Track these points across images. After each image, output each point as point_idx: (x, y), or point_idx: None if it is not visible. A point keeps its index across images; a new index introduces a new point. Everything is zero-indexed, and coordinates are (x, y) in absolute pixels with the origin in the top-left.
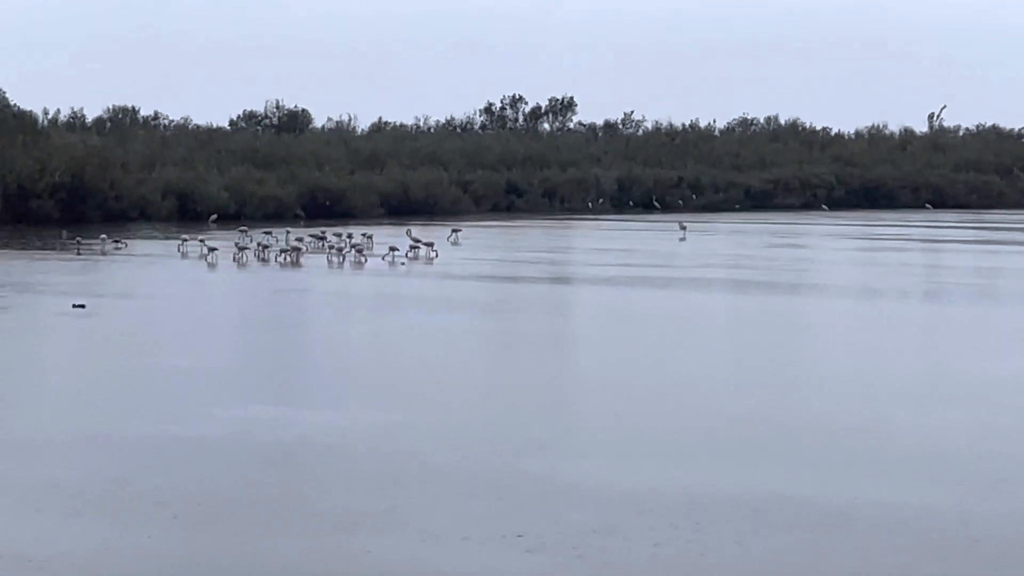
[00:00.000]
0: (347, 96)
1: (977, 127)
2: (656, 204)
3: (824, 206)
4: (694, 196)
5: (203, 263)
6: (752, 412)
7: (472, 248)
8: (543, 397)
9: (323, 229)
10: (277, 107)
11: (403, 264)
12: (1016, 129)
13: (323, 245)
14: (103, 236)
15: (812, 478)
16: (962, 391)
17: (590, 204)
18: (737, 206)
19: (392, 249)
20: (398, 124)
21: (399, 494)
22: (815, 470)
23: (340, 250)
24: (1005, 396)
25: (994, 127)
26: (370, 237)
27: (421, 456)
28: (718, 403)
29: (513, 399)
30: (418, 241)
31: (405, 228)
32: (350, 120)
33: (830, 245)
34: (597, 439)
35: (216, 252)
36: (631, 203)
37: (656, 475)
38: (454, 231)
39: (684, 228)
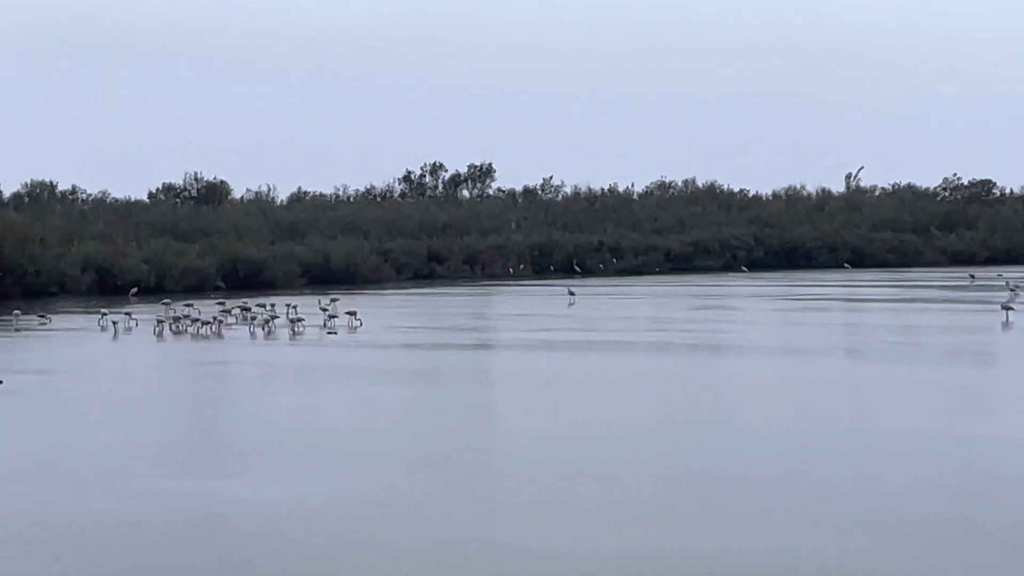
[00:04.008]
0: (266, 167)
1: (893, 187)
2: (577, 268)
3: (744, 267)
4: (615, 260)
5: (125, 337)
6: (682, 473)
7: (394, 317)
8: (474, 466)
9: (245, 300)
10: (196, 179)
11: (333, 334)
12: (932, 188)
13: (246, 317)
14: (16, 311)
15: (744, 536)
16: (887, 449)
17: (511, 270)
18: (657, 269)
19: (331, 316)
20: (317, 194)
21: (330, 567)
22: (747, 528)
23: (266, 322)
24: (930, 453)
25: (910, 186)
26: (295, 307)
27: (352, 528)
28: (648, 465)
29: (443, 469)
30: (325, 310)
31: (322, 298)
32: (269, 191)
33: (751, 306)
34: (529, 506)
35: (138, 325)
36: (552, 268)
37: (592, 539)
38: (332, 300)
39: (572, 294)
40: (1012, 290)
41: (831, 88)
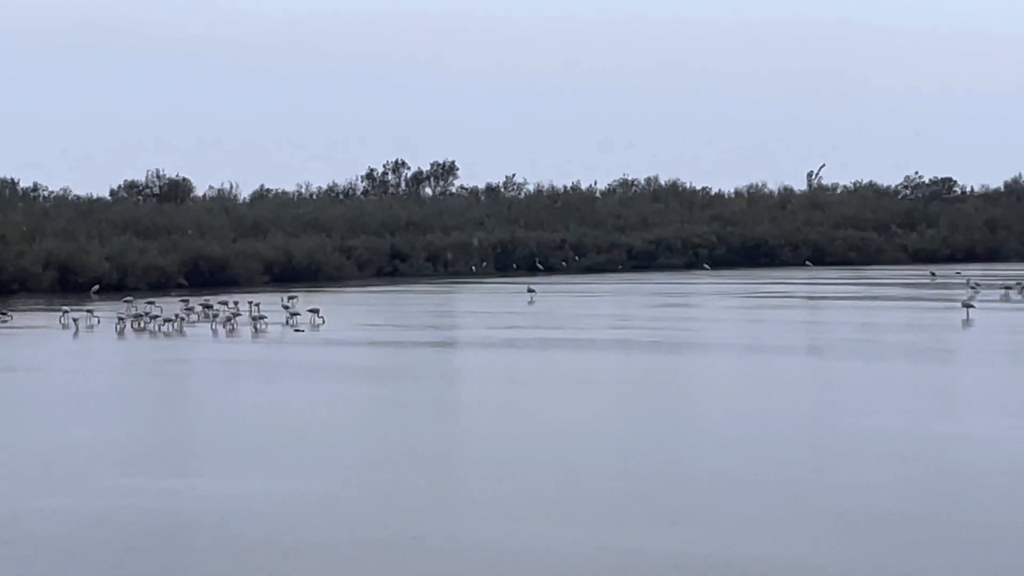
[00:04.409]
0: (228, 164)
1: (855, 184)
2: (540, 266)
3: (706, 265)
4: (577, 258)
5: (86, 334)
6: (646, 470)
7: (357, 314)
8: (439, 463)
9: (207, 298)
10: (158, 176)
11: (299, 331)
12: (893, 186)
13: (208, 314)
14: None
15: (708, 533)
16: (850, 446)
17: (473, 267)
18: (620, 267)
19: (293, 314)
20: (280, 191)
21: (296, 564)
22: (711, 525)
23: (228, 319)
24: (893, 451)
25: (871, 184)
26: (257, 305)
27: (317, 525)
28: (612, 462)
29: (407, 466)
30: (287, 307)
31: (283, 296)
32: (232, 188)
33: (714, 303)
34: (495, 502)
35: (99, 323)
36: (515, 266)
37: (558, 535)
38: (290, 298)
39: (532, 292)
40: (973, 288)
41: (793, 86)
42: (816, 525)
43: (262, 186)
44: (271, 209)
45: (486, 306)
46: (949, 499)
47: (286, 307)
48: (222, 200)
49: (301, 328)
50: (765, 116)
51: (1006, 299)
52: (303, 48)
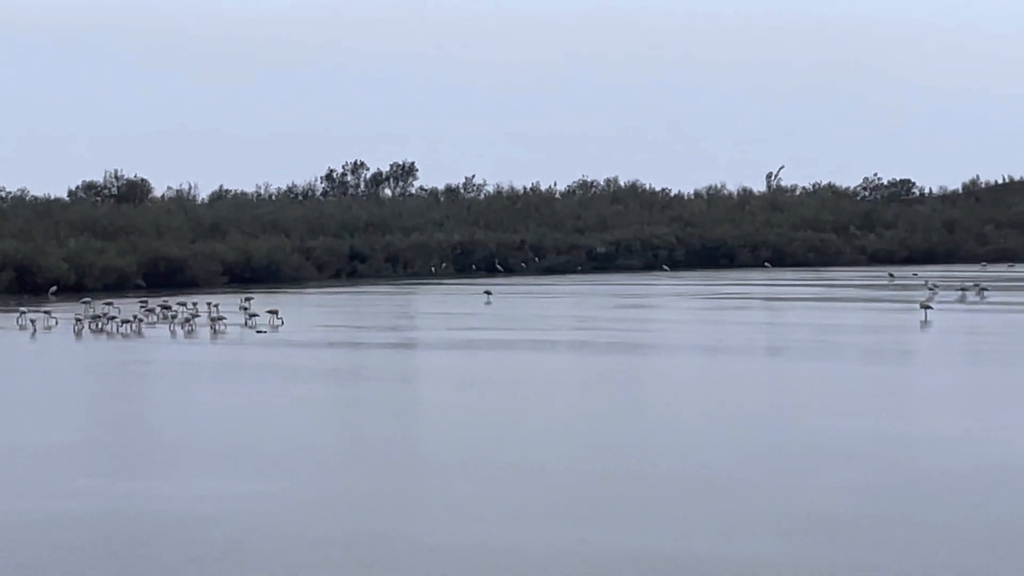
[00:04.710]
0: (187, 165)
1: (814, 186)
2: (499, 267)
3: (665, 267)
4: (537, 259)
5: (44, 335)
6: (604, 470)
7: (316, 315)
8: (397, 464)
9: (166, 299)
10: (116, 177)
11: (262, 332)
12: (852, 187)
13: (166, 315)
14: None
15: (666, 534)
16: (808, 447)
17: (433, 269)
18: (579, 268)
19: (252, 315)
20: (239, 192)
21: (252, 563)
22: (669, 526)
23: (187, 320)
24: (850, 452)
25: (830, 186)
26: (216, 306)
27: (275, 525)
28: (569, 462)
29: (366, 467)
30: (245, 309)
31: (242, 298)
32: (190, 189)
33: (673, 305)
34: (452, 502)
35: (57, 324)
36: (474, 267)
37: (515, 535)
38: (247, 299)
39: (489, 293)
40: (931, 289)
41: (754, 87)
42: (777, 525)
43: (221, 187)
44: (230, 210)
45: (446, 307)
46: (909, 500)
47: (244, 308)
48: (180, 201)
49: (263, 329)
50: (725, 117)
51: (962, 300)
52: (261, 47)
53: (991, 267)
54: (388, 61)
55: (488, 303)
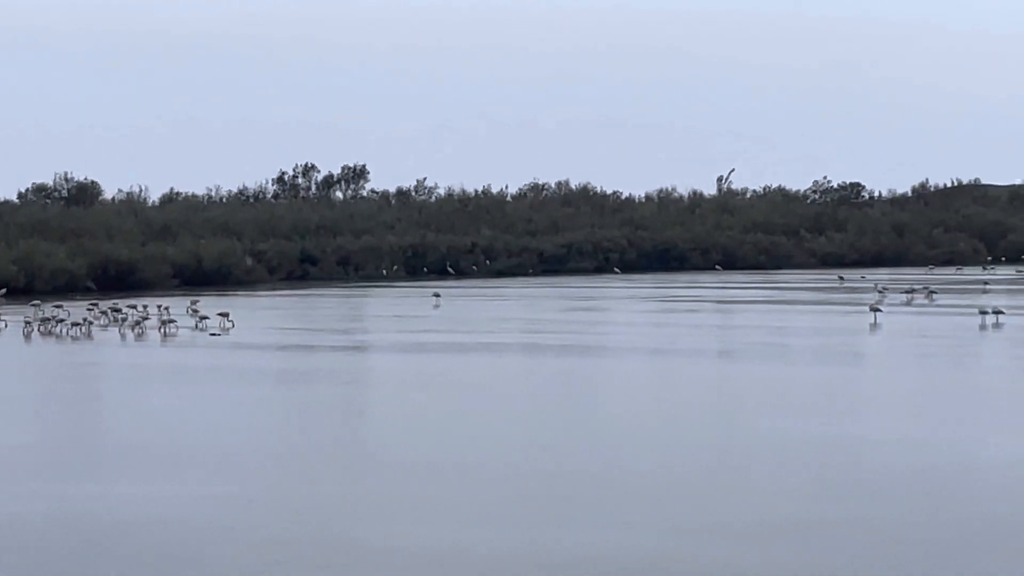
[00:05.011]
0: (137, 168)
1: (764, 189)
2: (451, 270)
3: (616, 269)
4: (488, 261)
5: None
6: (552, 471)
7: (267, 318)
8: (347, 466)
9: (116, 301)
10: (66, 179)
11: (216, 335)
12: (802, 191)
13: (116, 318)
14: None
15: (612, 534)
16: (757, 448)
17: (384, 271)
18: (531, 270)
19: (202, 318)
20: (190, 194)
21: (203, 564)
22: (616, 526)
23: (137, 323)
24: (800, 453)
25: (780, 189)
26: (167, 308)
27: (227, 527)
28: (518, 464)
29: (315, 469)
30: (196, 311)
31: (189, 301)
32: (141, 191)
33: (624, 307)
34: (402, 504)
35: (6, 327)
36: (426, 269)
37: (463, 536)
38: (193, 302)
39: (438, 296)
40: (880, 292)
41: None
42: (725, 526)
43: (171, 189)
44: (180, 212)
45: (397, 310)
46: (857, 500)
47: (196, 311)
48: (131, 203)
49: (217, 332)
50: (677, 120)
51: (909, 303)
52: (212, 50)
53: (938, 270)
54: (340, 63)
55: (436, 306)
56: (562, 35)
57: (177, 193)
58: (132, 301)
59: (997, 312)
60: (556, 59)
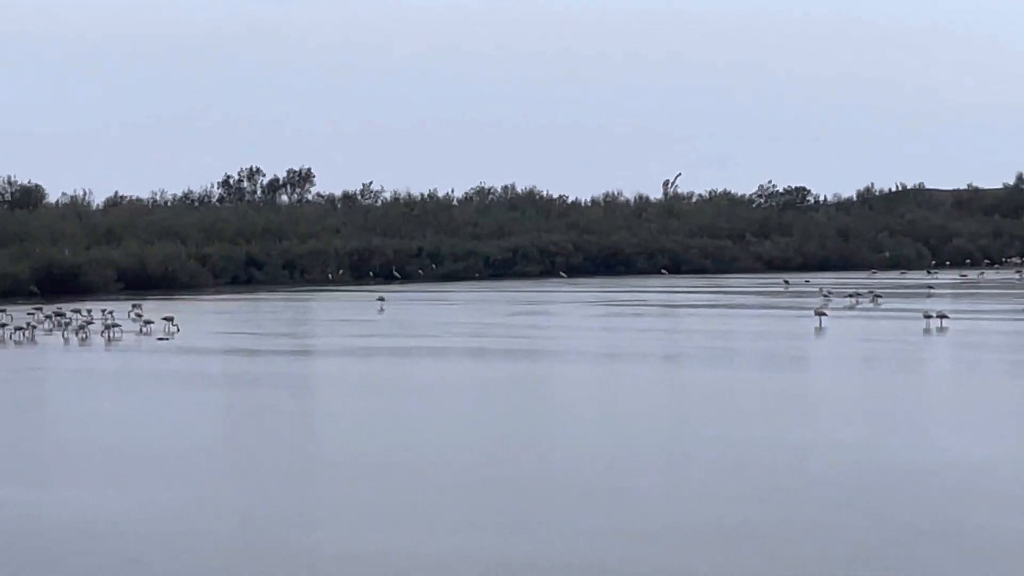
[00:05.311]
0: (82, 171)
1: (710, 193)
2: (397, 274)
3: (562, 273)
4: (434, 266)
5: None
6: (495, 478)
7: (212, 322)
8: (293, 471)
9: (59, 306)
10: (9, 183)
11: (164, 340)
12: (747, 195)
13: (60, 322)
14: None
15: (555, 542)
16: (703, 454)
17: (330, 275)
18: (477, 275)
19: (147, 322)
20: (135, 198)
21: (148, 571)
22: (558, 534)
23: (81, 327)
24: (745, 458)
25: (726, 193)
26: (111, 313)
27: (173, 533)
28: (462, 470)
29: (261, 474)
30: (140, 315)
31: (131, 304)
32: (85, 195)
33: (570, 311)
34: (347, 510)
35: None
36: (372, 274)
37: (405, 543)
38: (134, 306)
39: (382, 300)
40: (825, 296)
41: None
42: (668, 532)
43: (116, 193)
44: (125, 216)
45: (343, 314)
46: (801, 505)
47: (139, 315)
48: (75, 207)
49: (165, 337)
50: (622, 124)
51: (854, 307)
52: (157, 52)
53: (882, 274)
54: (285, 67)
55: (381, 310)
56: (508, 39)
57: (122, 197)
58: (76, 305)
59: (941, 316)
60: (502, 63)
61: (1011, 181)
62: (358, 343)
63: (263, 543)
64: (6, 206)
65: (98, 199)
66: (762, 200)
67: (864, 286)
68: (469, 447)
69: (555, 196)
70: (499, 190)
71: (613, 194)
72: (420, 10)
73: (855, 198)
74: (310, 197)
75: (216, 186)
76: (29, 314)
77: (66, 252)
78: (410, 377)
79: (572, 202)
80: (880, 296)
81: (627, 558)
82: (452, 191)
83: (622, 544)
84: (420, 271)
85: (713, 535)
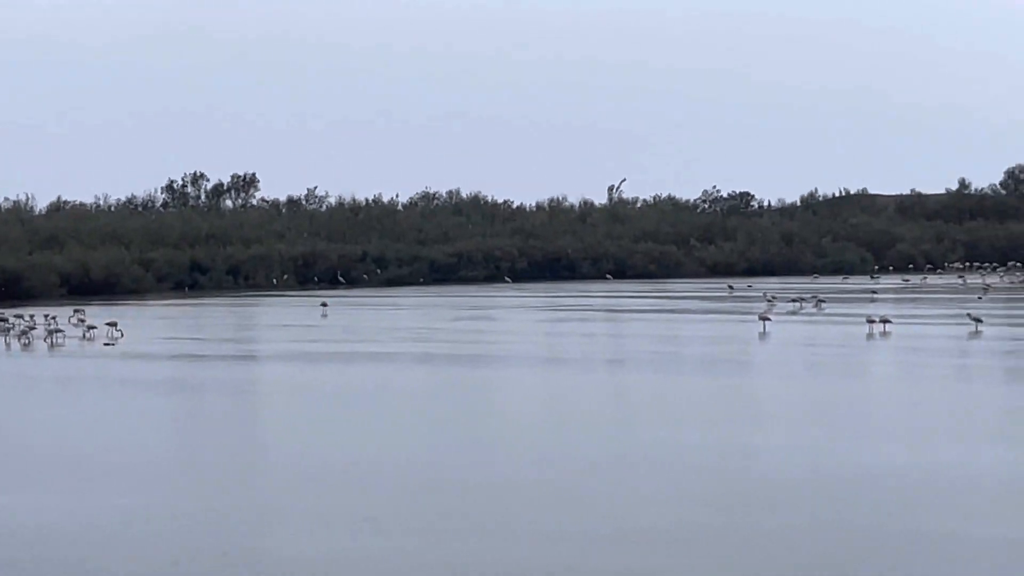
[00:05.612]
0: (24, 175)
1: (655, 198)
2: (341, 279)
3: (507, 278)
4: (379, 271)
5: None
6: (440, 482)
7: (156, 328)
8: (237, 477)
9: (1, 311)
10: None
11: (110, 345)
12: (692, 200)
13: (1, 327)
14: None
15: (498, 546)
16: (647, 458)
17: (275, 281)
18: (422, 280)
19: (90, 327)
20: (78, 203)
21: None
22: (502, 538)
23: (23, 333)
24: (689, 463)
25: (671, 198)
26: (54, 318)
27: (118, 539)
28: (407, 474)
29: (206, 480)
30: (83, 321)
31: (72, 309)
32: (27, 200)
33: (515, 316)
34: (292, 515)
35: None
36: (316, 279)
37: (358, 546)
38: (75, 311)
39: (325, 306)
40: (769, 301)
41: (594, 100)
42: (610, 536)
43: (59, 198)
44: (68, 221)
45: (287, 319)
46: (745, 510)
47: (82, 320)
48: (17, 211)
49: (110, 342)
50: (566, 129)
51: (797, 312)
52: (102, 55)
53: (823, 279)
54: (228, 72)
55: (324, 315)
56: (451, 43)
57: (65, 202)
58: (18, 311)
59: (885, 321)
60: (446, 68)
61: (954, 186)
62: (303, 348)
63: (211, 548)
64: None
65: (41, 204)
66: (707, 205)
67: (808, 291)
68: (414, 452)
69: (500, 201)
70: (444, 195)
71: (558, 199)
72: (364, 11)
73: (799, 203)
74: (254, 202)
75: (160, 191)
76: None
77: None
78: (355, 382)
79: (517, 207)
80: (824, 301)
81: (574, 561)
82: (397, 196)
83: (569, 547)
84: (365, 276)
85: (660, 539)
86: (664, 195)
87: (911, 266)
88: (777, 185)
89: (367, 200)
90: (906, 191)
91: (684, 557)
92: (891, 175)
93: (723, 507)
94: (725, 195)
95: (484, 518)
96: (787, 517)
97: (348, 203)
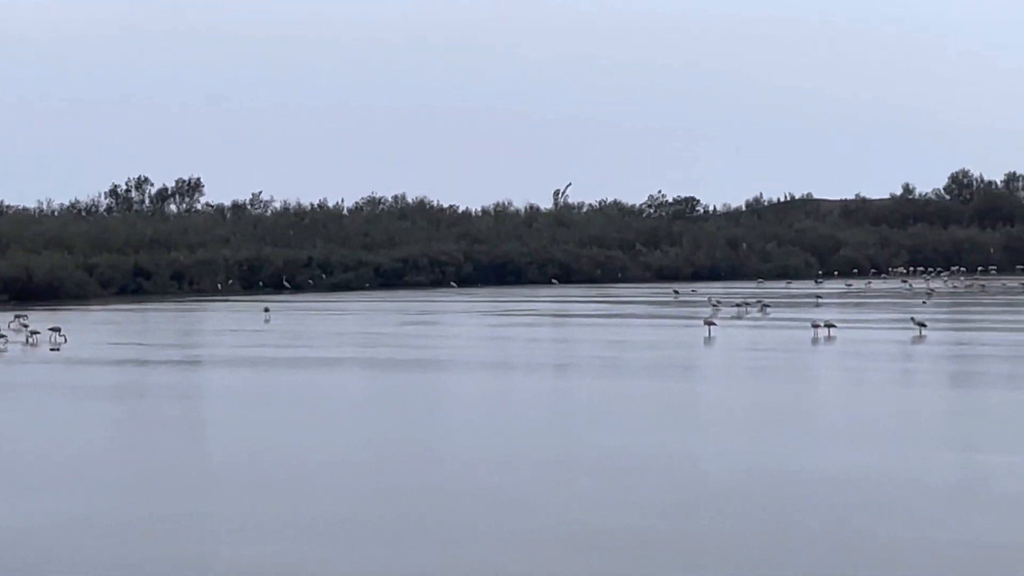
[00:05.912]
0: None
1: (600, 203)
2: (287, 284)
3: (453, 283)
4: (324, 276)
5: None
6: (390, 487)
7: (100, 333)
8: (185, 483)
9: None
10: None
11: (55, 350)
12: (638, 205)
13: None
14: None
15: (447, 551)
16: (591, 463)
17: (219, 286)
18: (367, 285)
19: (33, 332)
20: (20, 208)
21: None
22: (449, 542)
23: None
24: (633, 467)
25: (616, 203)
26: None
27: (63, 548)
28: (357, 480)
29: (153, 487)
30: (26, 326)
31: (13, 315)
32: None
33: (461, 321)
34: (242, 522)
35: None
36: (261, 284)
37: (309, 555)
38: (16, 317)
39: (267, 311)
40: (714, 306)
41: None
42: (556, 541)
43: (1, 202)
44: (10, 226)
45: (231, 324)
46: (690, 515)
47: (25, 326)
48: None
49: (54, 347)
50: (511, 133)
51: (741, 316)
52: (40, 57)
53: (768, 284)
54: (173, 76)
55: (267, 321)
56: (396, 46)
57: (7, 206)
58: None
59: (829, 325)
60: (390, 70)
61: (898, 191)
62: (248, 353)
63: (156, 555)
64: None
65: None
66: (652, 210)
67: (752, 296)
68: (364, 457)
69: (446, 206)
70: (389, 200)
71: (504, 204)
72: (306, 11)
73: (744, 208)
74: (199, 207)
75: (104, 195)
76: None
77: None
78: (300, 387)
79: (463, 212)
80: (768, 306)
81: (528, 566)
82: (342, 201)
83: (511, 550)
84: (310, 281)
85: (612, 542)
86: (610, 200)
87: (856, 271)
88: (723, 190)
89: (312, 205)
90: (851, 196)
91: (635, 561)
92: (836, 180)
93: (671, 510)
94: (671, 200)
95: (437, 523)
96: (734, 520)
97: (293, 208)
